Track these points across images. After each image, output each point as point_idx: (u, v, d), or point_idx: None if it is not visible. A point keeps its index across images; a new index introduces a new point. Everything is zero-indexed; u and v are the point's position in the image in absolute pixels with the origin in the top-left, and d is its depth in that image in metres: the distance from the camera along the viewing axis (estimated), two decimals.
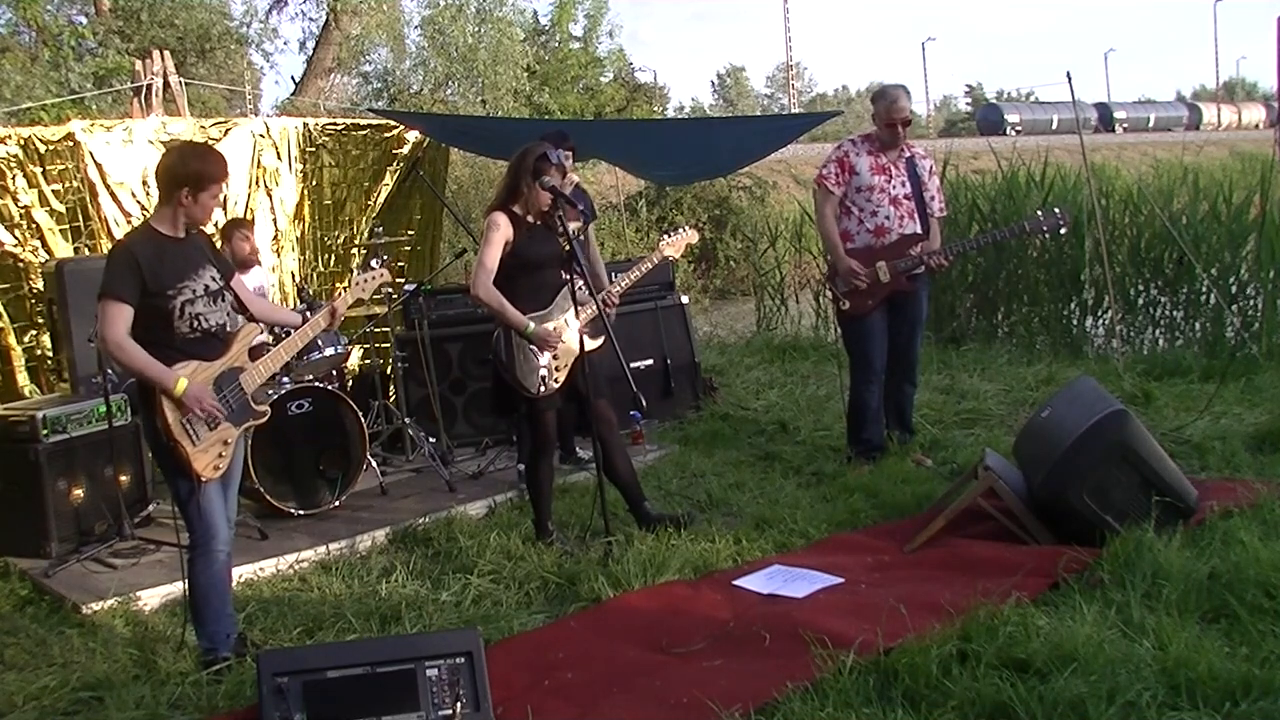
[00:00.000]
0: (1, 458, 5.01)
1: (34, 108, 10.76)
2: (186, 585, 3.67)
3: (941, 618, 3.41)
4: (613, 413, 4.82)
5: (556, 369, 4.67)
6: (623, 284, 5.02)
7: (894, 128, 5.51)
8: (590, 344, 4.63)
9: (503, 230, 4.58)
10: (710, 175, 13.19)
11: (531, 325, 4.57)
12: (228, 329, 3.71)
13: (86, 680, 3.59)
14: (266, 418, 3.83)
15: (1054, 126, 38.69)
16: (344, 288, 4.23)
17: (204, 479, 3.58)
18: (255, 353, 3.90)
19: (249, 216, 7.03)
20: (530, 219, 4.63)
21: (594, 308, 4.68)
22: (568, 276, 4.62)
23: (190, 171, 3.57)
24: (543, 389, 4.64)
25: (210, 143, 6.83)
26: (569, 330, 4.66)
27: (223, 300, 3.69)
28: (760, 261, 12.48)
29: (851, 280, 5.48)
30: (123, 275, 3.47)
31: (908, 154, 5.62)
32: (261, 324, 4.06)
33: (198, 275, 3.61)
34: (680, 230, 5.29)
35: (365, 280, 4.21)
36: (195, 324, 3.58)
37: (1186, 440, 5.57)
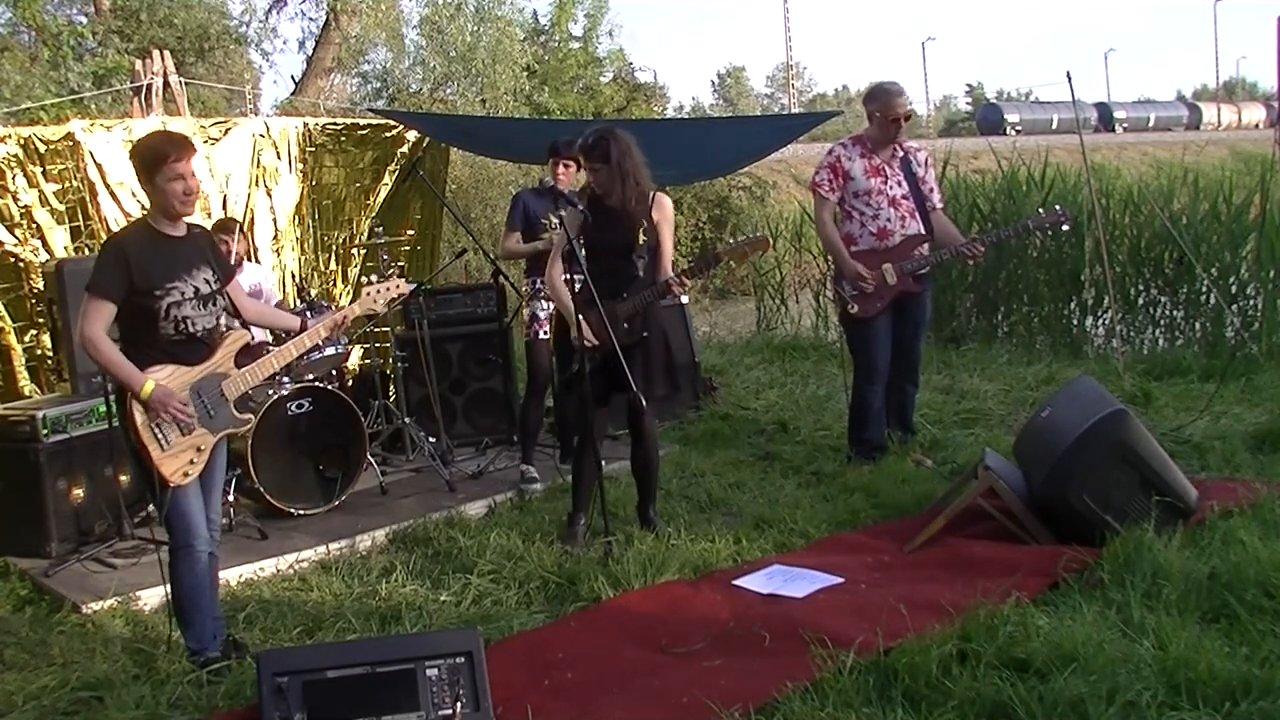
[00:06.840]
0: (1, 458, 5.00)
1: (34, 108, 10.75)
2: (169, 586, 3.62)
3: (941, 618, 3.41)
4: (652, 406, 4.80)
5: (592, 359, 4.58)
6: (687, 270, 4.98)
7: (895, 123, 5.45)
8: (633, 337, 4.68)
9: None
10: (710, 175, 13.17)
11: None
12: (215, 334, 3.63)
13: (86, 680, 3.58)
14: (248, 426, 3.72)
15: (1054, 126, 38.71)
16: (341, 306, 4.06)
17: (171, 484, 3.49)
18: (255, 353, 3.83)
19: (249, 216, 7.02)
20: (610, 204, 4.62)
21: (640, 300, 4.71)
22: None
23: (142, 161, 3.48)
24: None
25: (210, 142, 6.84)
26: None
27: (214, 304, 3.62)
28: (760, 261, 12.46)
29: (859, 283, 5.47)
30: (109, 271, 3.42)
31: (900, 153, 5.57)
32: (252, 329, 3.95)
33: (190, 276, 3.54)
34: (753, 233, 5.30)
35: (378, 292, 3.98)
36: (180, 327, 3.51)
37: (1186, 440, 5.57)
